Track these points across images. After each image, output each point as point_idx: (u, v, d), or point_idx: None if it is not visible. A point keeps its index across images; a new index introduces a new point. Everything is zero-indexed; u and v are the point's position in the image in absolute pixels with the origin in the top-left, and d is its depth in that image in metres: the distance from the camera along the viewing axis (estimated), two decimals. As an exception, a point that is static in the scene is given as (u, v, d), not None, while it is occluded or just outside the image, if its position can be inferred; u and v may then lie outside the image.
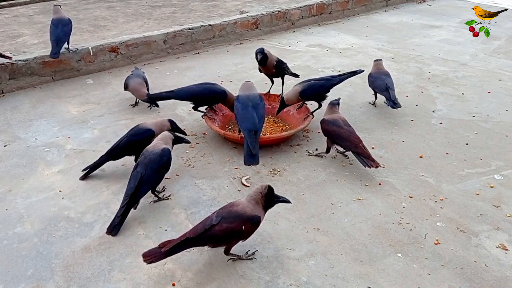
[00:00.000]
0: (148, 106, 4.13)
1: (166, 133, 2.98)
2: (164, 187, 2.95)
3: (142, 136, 3.08)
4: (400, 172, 3.08)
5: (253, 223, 2.21)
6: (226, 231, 2.17)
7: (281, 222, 2.64)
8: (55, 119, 3.97)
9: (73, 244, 2.51)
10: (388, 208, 2.73)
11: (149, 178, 2.69)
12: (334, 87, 4.15)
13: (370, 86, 4.10)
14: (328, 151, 3.25)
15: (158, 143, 2.84)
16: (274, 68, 3.94)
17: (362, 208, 2.74)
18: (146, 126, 3.15)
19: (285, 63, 4.04)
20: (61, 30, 4.59)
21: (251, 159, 2.95)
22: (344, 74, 3.82)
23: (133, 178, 2.68)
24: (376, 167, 2.95)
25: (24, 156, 3.41)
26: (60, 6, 4.84)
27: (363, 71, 4.13)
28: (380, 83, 3.93)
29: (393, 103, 3.72)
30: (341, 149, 3.25)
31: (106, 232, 2.56)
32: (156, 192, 2.84)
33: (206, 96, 3.55)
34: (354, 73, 3.90)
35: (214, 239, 2.19)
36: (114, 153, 3.10)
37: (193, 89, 3.58)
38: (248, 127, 3.08)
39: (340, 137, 3.11)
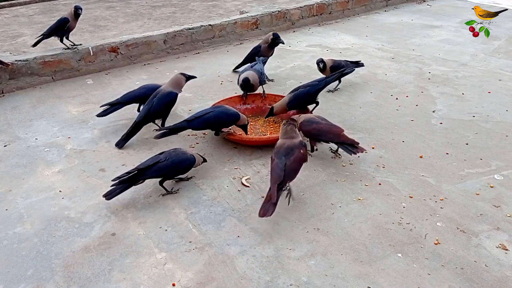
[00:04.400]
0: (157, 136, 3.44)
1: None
2: (178, 189, 2.97)
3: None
4: (400, 172, 3.08)
5: (304, 146, 2.78)
6: (298, 162, 2.69)
7: (281, 222, 2.64)
8: (55, 119, 3.97)
9: (73, 244, 2.51)
10: (388, 208, 2.73)
11: (163, 167, 2.79)
12: (335, 88, 4.18)
13: None
14: (312, 150, 3.31)
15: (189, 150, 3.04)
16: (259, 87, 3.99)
17: (362, 208, 2.74)
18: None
19: (264, 78, 4.08)
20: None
21: None
22: (332, 74, 3.83)
23: (151, 159, 2.86)
24: (362, 151, 3.05)
25: (24, 156, 3.41)
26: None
27: (354, 69, 4.17)
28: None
29: None
30: (334, 146, 3.28)
31: (103, 195, 2.72)
32: (164, 186, 2.90)
33: (220, 122, 3.35)
34: (343, 72, 3.92)
35: (294, 172, 2.67)
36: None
37: (208, 118, 3.31)
38: None
39: (322, 131, 3.15)
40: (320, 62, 4.26)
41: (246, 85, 3.83)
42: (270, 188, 2.58)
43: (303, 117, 3.28)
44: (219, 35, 5.91)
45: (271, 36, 4.55)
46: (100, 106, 3.83)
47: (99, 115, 3.72)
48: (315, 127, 3.17)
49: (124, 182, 2.75)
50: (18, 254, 2.45)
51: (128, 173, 2.77)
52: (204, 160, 3.12)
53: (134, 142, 3.56)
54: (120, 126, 3.79)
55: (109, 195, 2.73)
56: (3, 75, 4.50)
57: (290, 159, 2.63)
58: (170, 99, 3.54)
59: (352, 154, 3.06)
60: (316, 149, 3.31)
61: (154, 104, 3.49)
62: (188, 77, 3.71)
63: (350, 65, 4.38)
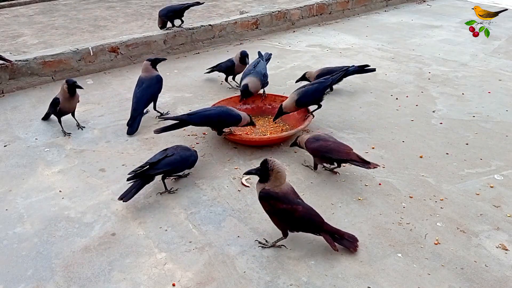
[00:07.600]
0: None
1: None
2: (177, 188, 2.99)
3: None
4: (400, 172, 3.08)
5: None
6: None
7: (281, 222, 2.63)
8: (55, 119, 3.96)
9: (73, 244, 2.51)
10: (388, 208, 2.73)
11: (173, 161, 2.86)
12: (334, 87, 4.18)
13: None
14: (316, 168, 3.13)
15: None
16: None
17: (362, 208, 2.74)
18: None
19: (266, 74, 4.03)
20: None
21: None
22: (337, 72, 3.84)
23: (159, 154, 2.93)
24: (375, 167, 2.86)
25: (24, 156, 3.41)
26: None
27: (355, 69, 4.17)
28: None
29: None
30: (328, 165, 3.13)
31: (118, 198, 2.72)
32: (165, 183, 2.93)
33: (222, 120, 3.36)
34: (346, 70, 3.95)
35: None
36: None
37: (209, 114, 3.34)
38: None
39: (330, 149, 2.97)
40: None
41: (245, 92, 3.86)
42: (325, 234, 2.39)
43: (307, 135, 3.17)
44: (219, 35, 5.91)
45: (239, 55, 4.38)
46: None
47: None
48: (322, 144, 3.01)
49: (138, 176, 2.77)
50: (18, 254, 2.45)
51: (141, 167, 2.80)
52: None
53: (134, 142, 3.56)
54: (120, 126, 3.79)
55: (125, 197, 2.71)
56: (3, 75, 4.50)
57: (302, 200, 2.44)
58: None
59: (366, 168, 2.90)
60: (316, 169, 3.15)
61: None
62: (154, 61, 4.06)
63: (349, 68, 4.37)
